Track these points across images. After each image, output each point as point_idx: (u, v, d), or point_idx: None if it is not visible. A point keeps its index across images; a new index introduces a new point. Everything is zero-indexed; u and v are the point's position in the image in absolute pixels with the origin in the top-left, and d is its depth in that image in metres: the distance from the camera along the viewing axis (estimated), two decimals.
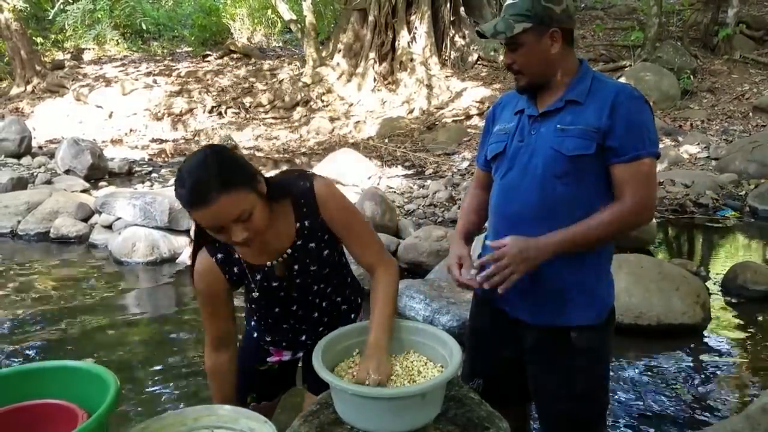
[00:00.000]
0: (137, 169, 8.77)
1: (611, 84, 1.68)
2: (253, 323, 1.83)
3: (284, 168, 7.27)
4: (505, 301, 1.73)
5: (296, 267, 1.63)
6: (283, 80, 12.91)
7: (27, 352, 3.72)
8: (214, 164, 1.37)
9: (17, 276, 5.03)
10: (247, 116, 12.10)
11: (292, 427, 1.44)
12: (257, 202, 1.43)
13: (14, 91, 13.85)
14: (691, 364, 3.37)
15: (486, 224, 1.92)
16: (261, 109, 12.26)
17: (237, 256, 1.60)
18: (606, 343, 1.75)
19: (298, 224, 1.60)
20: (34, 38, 15.15)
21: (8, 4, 12.81)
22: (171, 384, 3.33)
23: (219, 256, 1.59)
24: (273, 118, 11.94)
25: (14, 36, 13.51)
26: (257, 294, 1.65)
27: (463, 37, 12.23)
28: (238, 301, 1.73)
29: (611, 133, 1.58)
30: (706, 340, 3.65)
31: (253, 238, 1.44)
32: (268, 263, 1.61)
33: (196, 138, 11.24)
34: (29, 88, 13.74)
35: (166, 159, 9.94)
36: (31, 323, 4.14)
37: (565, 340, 1.69)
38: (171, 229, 5.40)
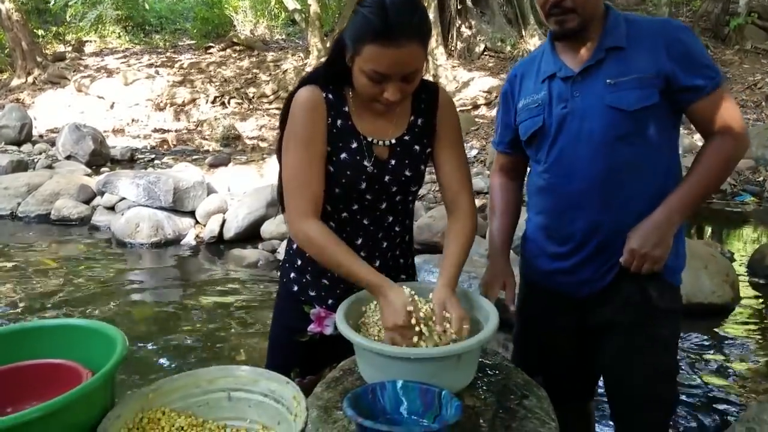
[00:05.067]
0: (139, 156, 8.66)
1: (650, 22, 1.51)
2: (298, 263, 1.62)
3: None
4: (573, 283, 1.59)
5: (393, 162, 1.47)
6: (286, 71, 12.81)
7: None
8: (422, 8, 1.31)
9: (18, 257, 4.90)
10: (251, 107, 12.00)
11: (315, 393, 1.32)
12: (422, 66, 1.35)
13: (15, 82, 13.78)
14: (721, 345, 3.24)
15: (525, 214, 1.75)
16: (264, 100, 12.16)
17: (346, 109, 1.45)
18: (681, 306, 1.61)
19: (412, 118, 1.49)
20: (35, 30, 15.04)
21: None
22: (178, 359, 3.21)
23: (330, 96, 1.44)
24: (277, 108, 11.82)
25: (15, 27, 13.42)
26: (342, 159, 1.45)
27: (470, 28, 12.13)
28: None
29: (680, 73, 1.42)
30: (735, 319, 3.52)
31: (400, 102, 1.37)
32: (371, 138, 1.46)
33: (199, 128, 11.14)
34: (30, 79, 13.65)
35: (168, 148, 9.84)
36: (32, 303, 4.01)
37: (649, 303, 1.54)
38: (175, 209, 5.28)
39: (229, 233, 5.11)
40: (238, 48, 14.85)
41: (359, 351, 1.31)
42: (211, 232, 5.14)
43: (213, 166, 7.62)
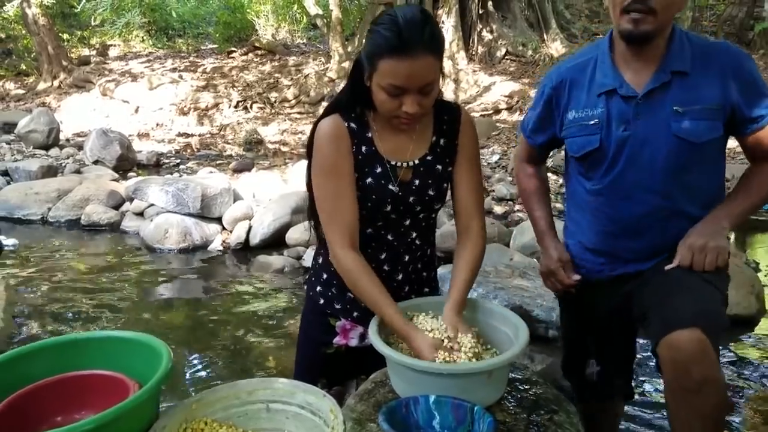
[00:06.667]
0: (165, 161, 8.77)
1: (713, 47, 1.47)
2: (324, 277, 1.68)
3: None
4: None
5: (416, 182, 1.52)
6: (308, 75, 12.88)
7: (59, 335, 3.68)
8: (432, 23, 1.36)
9: (49, 262, 5.02)
10: (273, 111, 12.09)
11: (348, 405, 1.37)
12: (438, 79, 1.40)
13: (41, 86, 13.98)
14: (746, 356, 3.21)
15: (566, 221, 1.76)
16: (286, 104, 12.24)
17: (369, 134, 1.51)
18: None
19: (434, 138, 1.54)
20: (60, 34, 15.24)
21: None
22: (207, 367, 3.28)
23: (352, 124, 1.50)
24: (298, 113, 11.90)
25: (41, 31, 13.61)
26: (368, 184, 1.50)
27: (491, 32, 12.11)
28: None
29: (744, 105, 1.42)
30: (761, 331, 3.49)
31: (419, 117, 1.41)
32: (394, 161, 1.51)
33: (222, 132, 11.24)
34: (56, 83, 13.85)
35: (192, 153, 9.94)
36: (65, 307, 4.12)
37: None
38: (203, 216, 5.37)
39: (254, 239, 5.19)
40: (259, 52, 14.95)
41: (391, 365, 1.35)
42: (238, 238, 5.22)
43: (237, 171, 7.70)
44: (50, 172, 6.99)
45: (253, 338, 3.72)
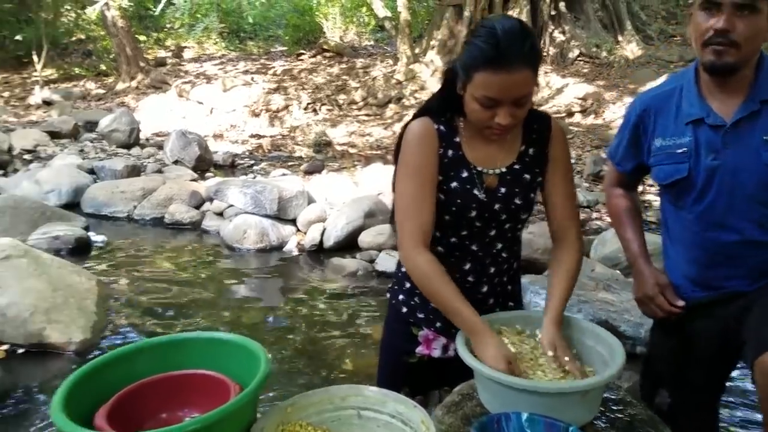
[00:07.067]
0: (239, 161, 9.03)
1: None
2: (407, 286, 1.68)
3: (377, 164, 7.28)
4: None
5: (503, 190, 1.52)
6: (375, 77, 12.98)
7: (148, 328, 3.89)
8: (532, 35, 1.36)
9: (136, 258, 5.27)
10: (341, 113, 12.24)
11: (435, 416, 1.37)
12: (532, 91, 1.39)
13: (120, 86, 14.55)
14: None
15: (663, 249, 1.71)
16: (354, 106, 12.36)
17: (457, 139, 1.52)
18: None
19: (522, 147, 1.53)
20: (137, 36, 15.83)
21: (115, 2, 13.44)
22: (289, 365, 3.38)
23: (441, 127, 1.51)
24: (366, 114, 12.01)
25: (120, 33, 14.16)
26: (452, 188, 1.51)
27: (563, 33, 11.87)
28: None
29: None
30: None
31: (511, 128, 1.41)
32: (481, 168, 1.52)
33: (292, 134, 11.45)
34: (134, 83, 14.38)
35: (264, 154, 10.19)
36: (151, 302, 4.32)
37: None
38: (279, 218, 5.53)
39: (328, 242, 5.29)
40: (328, 54, 15.15)
41: (481, 379, 1.34)
42: (312, 240, 5.34)
43: (308, 173, 7.85)
44: (134, 171, 7.33)
45: (329, 340, 3.80)
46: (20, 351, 3.57)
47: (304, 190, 5.80)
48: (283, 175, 7.32)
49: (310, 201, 5.83)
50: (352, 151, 10.20)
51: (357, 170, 7.86)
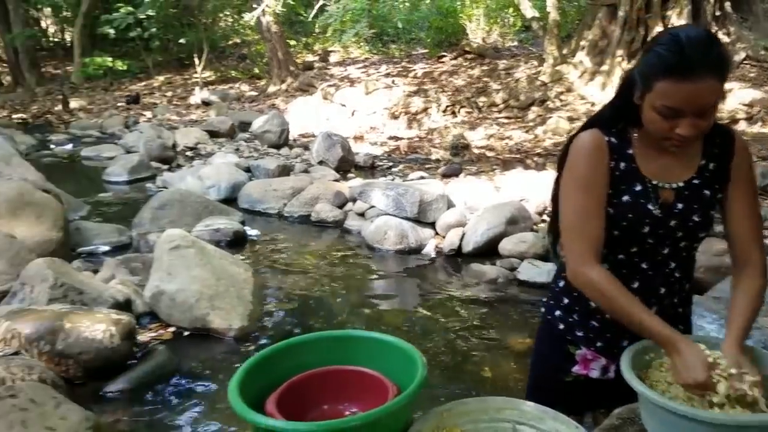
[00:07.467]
0: (379, 163, 9.29)
1: None
2: (565, 302, 1.64)
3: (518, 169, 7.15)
4: None
5: (680, 206, 1.45)
6: (518, 79, 12.75)
7: (296, 319, 4.12)
8: (719, 43, 1.30)
9: (285, 252, 5.62)
10: (480, 115, 12.15)
11: None
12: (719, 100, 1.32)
13: (271, 89, 15.49)
14: None
15: None
16: (494, 109, 12.23)
17: (630, 151, 1.47)
18: None
19: (702, 161, 1.46)
20: (288, 41, 16.75)
21: (270, 8, 14.30)
22: (429, 370, 3.41)
23: (612, 139, 1.47)
24: (506, 117, 11.83)
25: (273, 38, 15.08)
26: (624, 202, 1.45)
27: (728, 35, 10.94)
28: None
29: None
30: None
31: (693, 140, 1.34)
32: (656, 181, 1.46)
33: (429, 136, 11.54)
34: (283, 86, 15.26)
35: (402, 156, 10.38)
36: (299, 294, 4.58)
37: None
38: (419, 220, 5.62)
39: (467, 247, 5.29)
40: (469, 56, 15.10)
41: (647, 405, 1.28)
42: (451, 244, 5.37)
43: (446, 176, 7.88)
44: (284, 170, 7.81)
45: (467, 347, 3.80)
46: (186, 334, 3.94)
47: (444, 193, 5.86)
48: (421, 177, 7.42)
49: (450, 205, 5.86)
50: (489, 154, 10.09)
51: (496, 174, 7.78)
